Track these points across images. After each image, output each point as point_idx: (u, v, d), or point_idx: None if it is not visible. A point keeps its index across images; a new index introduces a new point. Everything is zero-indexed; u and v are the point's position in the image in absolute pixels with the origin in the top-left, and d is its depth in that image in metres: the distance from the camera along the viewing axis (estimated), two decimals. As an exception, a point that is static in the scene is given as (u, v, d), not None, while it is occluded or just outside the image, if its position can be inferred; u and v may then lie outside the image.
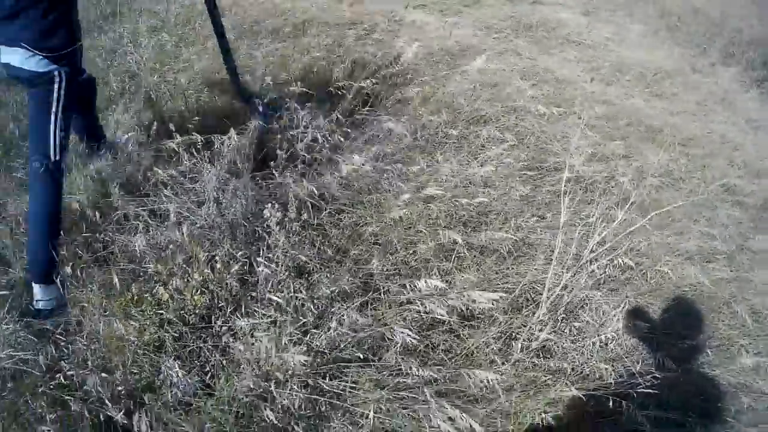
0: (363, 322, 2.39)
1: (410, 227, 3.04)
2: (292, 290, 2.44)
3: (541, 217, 3.33)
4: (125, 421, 2.10)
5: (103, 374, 2.24)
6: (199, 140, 3.01)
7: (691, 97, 5.64)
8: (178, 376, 2.24)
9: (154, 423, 2.13)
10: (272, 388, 2.15)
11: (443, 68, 4.56)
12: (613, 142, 4.25)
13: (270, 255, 2.54)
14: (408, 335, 2.35)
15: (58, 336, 2.44)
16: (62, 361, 2.33)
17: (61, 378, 2.23)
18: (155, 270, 2.52)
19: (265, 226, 2.62)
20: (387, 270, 2.78)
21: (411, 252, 2.91)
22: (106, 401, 2.15)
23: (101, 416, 2.13)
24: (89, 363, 2.29)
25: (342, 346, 2.33)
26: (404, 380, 2.19)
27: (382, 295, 2.62)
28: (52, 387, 2.22)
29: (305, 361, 2.20)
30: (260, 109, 3.37)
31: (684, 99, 5.58)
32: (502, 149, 3.70)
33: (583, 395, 2.25)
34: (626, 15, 7.54)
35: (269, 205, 2.53)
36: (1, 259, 2.71)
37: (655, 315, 2.91)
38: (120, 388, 2.21)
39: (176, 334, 2.40)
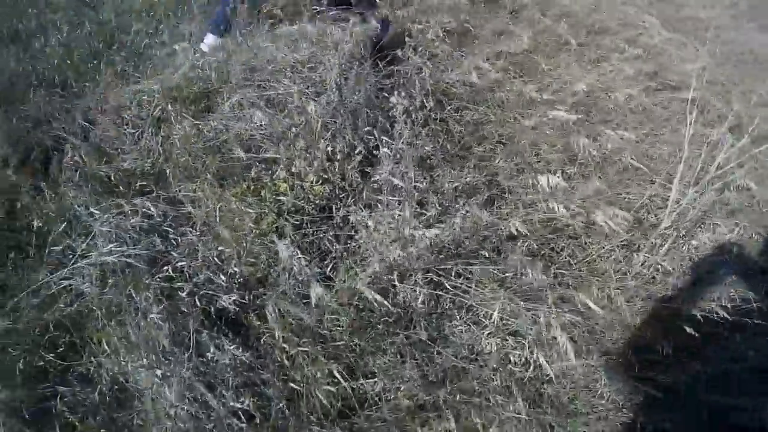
0: (488, 219, 2.09)
1: (535, 128, 2.80)
2: (416, 181, 2.18)
3: (659, 133, 3.02)
4: (238, 312, 1.90)
5: (217, 264, 1.99)
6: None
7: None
8: (300, 264, 1.92)
9: (270, 314, 1.88)
10: (395, 281, 1.93)
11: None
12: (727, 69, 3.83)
13: (393, 145, 2.23)
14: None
15: (166, 227, 2.13)
16: (170, 254, 2.05)
17: (170, 270, 1.96)
18: (274, 156, 2.16)
19: (389, 115, 2.34)
20: (510, 169, 2.57)
21: (534, 153, 2.70)
22: (219, 292, 1.91)
23: (212, 308, 1.89)
24: (199, 254, 2.01)
25: (466, 243, 2.07)
26: (528, 283, 2.03)
27: (506, 194, 2.43)
28: (159, 279, 1.96)
29: (428, 255, 1.97)
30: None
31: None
32: (623, 58, 3.47)
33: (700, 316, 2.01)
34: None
35: (396, 92, 2.19)
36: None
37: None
38: (233, 279, 1.96)
39: (295, 223, 2.11)
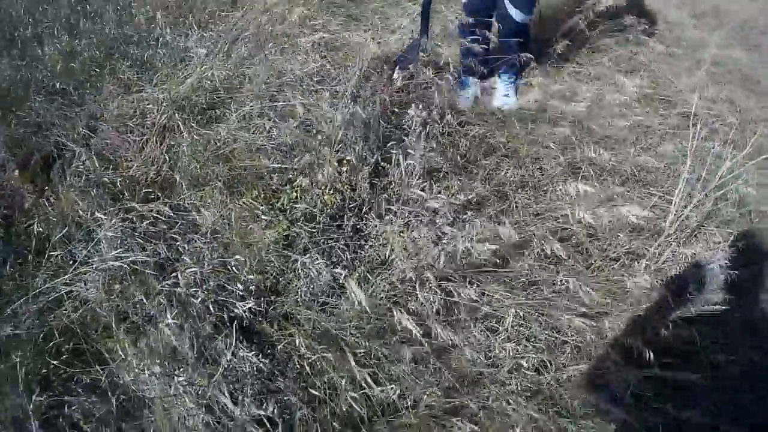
0: (503, 231, 2.06)
1: (537, 142, 2.84)
2: (428, 192, 2.17)
3: (654, 146, 3.07)
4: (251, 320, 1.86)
5: (227, 272, 1.94)
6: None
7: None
8: (317, 270, 1.91)
9: (285, 321, 1.90)
10: (409, 290, 1.94)
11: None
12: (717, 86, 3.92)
13: (411, 155, 2.24)
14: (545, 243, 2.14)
15: (173, 235, 2.09)
16: (177, 261, 2.01)
17: (179, 277, 1.89)
18: (283, 166, 2.13)
19: (403, 128, 2.32)
20: (516, 182, 2.59)
21: (538, 167, 2.73)
22: (231, 300, 1.86)
23: (226, 315, 1.83)
24: (206, 262, 1.95)
25: (476, 253, 2.02)
26: (540, 289, 2.08)
27: (512, 205, 2.44)
28: (168, 286, 1.89)
29: (441, 264, 1.96)
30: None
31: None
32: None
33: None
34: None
35: (414, 105, 2.23)
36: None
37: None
38: (244, 287, 1.90)
39: (307, 233, 2.07)
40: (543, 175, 2.66)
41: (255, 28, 3.04)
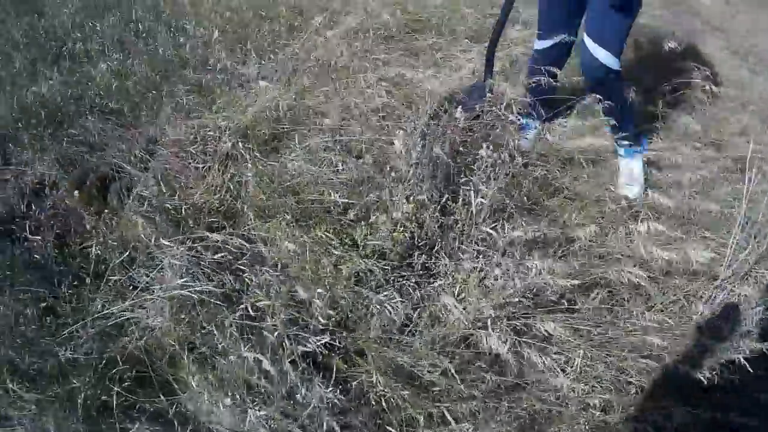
0: (562, 269, 2.23)
1: (600, 185, 2.99)
2: (500, 233, 2.31)
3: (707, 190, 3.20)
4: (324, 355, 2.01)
5: (298, 306, 2.10)
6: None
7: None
8: (392, 307, 2.09)
9: (358, 356, 2.04)
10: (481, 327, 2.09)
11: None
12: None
13: (476, 195, 2.37)
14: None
15: (239, 266, 2.23)
16: (244, 293, 2.16)
17: (249, 308, 2.04)
18: (351, 201, 2.36)
19: (471, 167, 2.47)
20: (579, 223, 2.67)
21: (600, 210, 2.84)
22: (303, 334, 2.01)
23: (298, 349, 1.96)
24: (277, 295, 2.09)
25: (547, 293, 2.23)
26: (605, 330, 2.23)
27: (577, 247, 2.53)
28: (237, 318, 2.04)
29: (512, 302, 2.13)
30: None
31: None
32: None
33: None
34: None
35: (484, 146, 2.37)
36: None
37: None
38: (319, 321, 2.05)
39: (380, 270, 2.22)
40: (604, 218, 2.79)
41: (315, 60, 3.26)
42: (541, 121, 3.12)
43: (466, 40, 4.02)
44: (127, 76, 3.23)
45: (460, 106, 2.77)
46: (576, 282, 2.24)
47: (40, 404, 1.89)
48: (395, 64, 3.45)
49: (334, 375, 1.97)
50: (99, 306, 2.20)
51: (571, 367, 2.08)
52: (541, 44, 2.85)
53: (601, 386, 2.09)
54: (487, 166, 2.35)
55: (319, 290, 2.06)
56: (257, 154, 2.60)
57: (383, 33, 3.89)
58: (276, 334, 1.95)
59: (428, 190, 2.39)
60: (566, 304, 2.29)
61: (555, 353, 2.11)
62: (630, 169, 3.00)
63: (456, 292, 2.18)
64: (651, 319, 2.32)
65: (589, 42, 2.54)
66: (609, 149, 3.19)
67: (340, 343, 2.06)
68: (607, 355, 2.16)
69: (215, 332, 2.01)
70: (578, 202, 2.83)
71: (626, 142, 2.91)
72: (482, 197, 2.29)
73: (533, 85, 2.73)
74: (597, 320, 2.27)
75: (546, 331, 2.13)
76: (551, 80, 2.68)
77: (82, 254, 2.48)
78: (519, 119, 2.73)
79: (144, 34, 3.65)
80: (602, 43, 2.51)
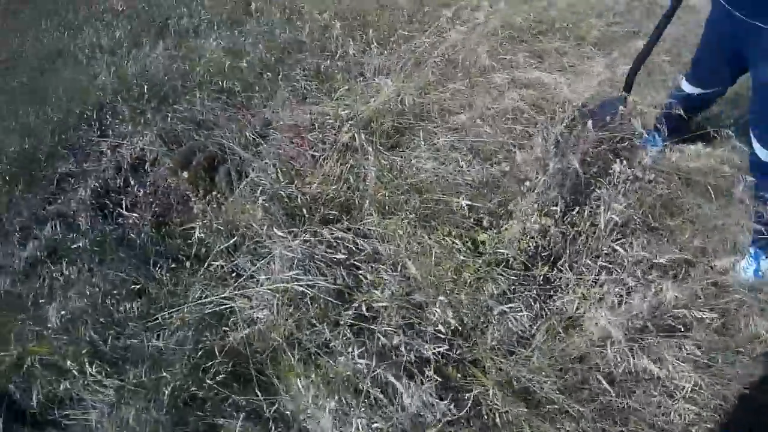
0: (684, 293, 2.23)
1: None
2: (627, 249, 2.34)
3: None
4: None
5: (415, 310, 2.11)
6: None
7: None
8: (515, 318, 2.13)
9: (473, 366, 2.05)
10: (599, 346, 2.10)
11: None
12: None
13: (607, 209, 2.40)
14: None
15: (355, 262, 2.26)
16: (357, 291, 2.18)
17: (362, 307, 2.06)
18: (476, 205, 2.40)
19: (599, 180, 2.52)
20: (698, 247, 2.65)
21: (721, 234, 2.76)
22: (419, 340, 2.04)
23: (412, 355, 1.99)
24: (394, 298, 2.12)
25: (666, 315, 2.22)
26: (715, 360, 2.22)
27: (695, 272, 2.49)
28: (352, 318, 2.07)
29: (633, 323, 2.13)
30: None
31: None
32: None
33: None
34: None
35: (618, 161, 2.42)
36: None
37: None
38: (437, 329, 2.06)
39: (505, 279, 2.23)
40: (725, 246, 2.71)
41: (440, 55, 3.30)
42: (665, 139, 3.03)
43: (590, 47, 4.00)
44: (239, 55, 3.32)
45: (591, 119, 2.75)
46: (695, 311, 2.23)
47: (121, 391, 1.93)
48: (522, 65, 3.45)
49: (448, 384, 1.98)
50: (198, 292, 2.23)
51: (680, 393, 2.07)
52: (688, 87, 2.76)
53: (706, 414, 2.06)
54: (619, 182, 2.38)
55: (441, 297, 2.05)
56: (379, 147, 2.61)
57: (509, 33, 3.90)
58: (393, 340, 1.95)
59: (555, 200, 2.39)
60: (682, 329, 2.26)
61: (666, 376, 2.11)
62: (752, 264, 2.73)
63: (574, 308, 2.20)
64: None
65: (754, 142, 2.47)
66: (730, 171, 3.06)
67: (456, 350, 2.06)
68: (714, 384, 2.14)
69: (325, 330, 2.01)
70: (699, 225, 2.78)
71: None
72: (612, 213, 2.30)
73: (666, 111, 2.70)
74: (710, 346, 2.25)
75: (661, 354, 2.13)
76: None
77: (182, 236, 2.53)
78: (646, 133, 2.77)
79: (257, 13, 3.77)
80: (760, 138, 2.44)
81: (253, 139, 2.73)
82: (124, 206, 2.70)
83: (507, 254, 2.26)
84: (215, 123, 2.89)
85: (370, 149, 2.51)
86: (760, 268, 2.58)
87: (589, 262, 2.29)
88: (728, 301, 2.39)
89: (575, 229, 2.38)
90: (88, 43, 3.88)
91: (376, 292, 2.09)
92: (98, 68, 3.54)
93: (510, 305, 2.11)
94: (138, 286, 2.28)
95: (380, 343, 1.98)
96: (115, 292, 2.24)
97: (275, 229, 2.27)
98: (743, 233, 2.70)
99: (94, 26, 4.13)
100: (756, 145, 2.41)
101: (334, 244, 2.28)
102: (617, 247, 2.31)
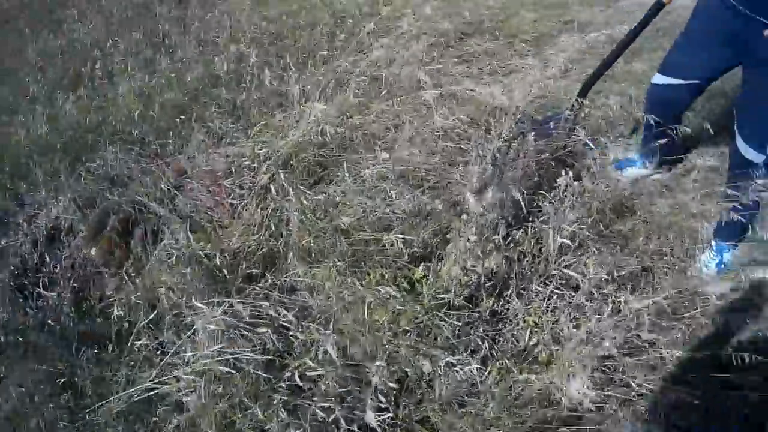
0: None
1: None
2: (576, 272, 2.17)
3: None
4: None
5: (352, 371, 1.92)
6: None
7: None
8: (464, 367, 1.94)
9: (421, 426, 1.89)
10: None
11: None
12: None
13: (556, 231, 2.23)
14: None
15: (284, 323, 2.04)
16: (289, 355, 2.00)
17: (296, 378, 1.89)
18: (409, 238, 2.22)
19: (544, 195, 2.34)
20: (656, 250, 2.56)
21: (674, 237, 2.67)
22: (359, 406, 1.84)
23: (355, 426, 1.81)
24: (322, 358, 1.93)
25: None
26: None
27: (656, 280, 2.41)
28: (286, 392, 1.90)
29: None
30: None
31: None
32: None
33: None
34: None
35: (564, 172, 2.22)
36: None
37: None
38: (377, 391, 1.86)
39: (448, 325, 2.04)
40: (683, 242, 2.63)
41: (361, 73, 3.10)
42: (651, 161, 2.84)
43: (522, 44, 3.85)
44: (152, 98, 3.12)
45: (533, 132, 2.59)
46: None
47: None
48: (451, 73, 3.27)
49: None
50: (123, 378, 2.07)
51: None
52: (662, 79, 2.51)
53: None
54: (566, 195, 2.22)
55: (378, 362, 1.86)
56: (301, 187, 2.42)
57: (435, 39, 3.73)
58: (332, 416, 1.78)
59: (495, 222, 2.20)
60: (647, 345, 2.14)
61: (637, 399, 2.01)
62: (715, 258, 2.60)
63: (525, 339, 2.05)
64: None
65: (740, 141, 2.33)
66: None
67: (402, 409, 1.90)
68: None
69: (258, 413, 1.83)
70: (653, 224, 2.67)
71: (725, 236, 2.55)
72: (560, 234, 2.15)
73: (650, 122, 2.47)
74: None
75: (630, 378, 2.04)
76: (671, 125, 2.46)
77: (102, 313, 2.35)
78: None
79: (171, 49, 3.56)
80: (745, 137, 2.33)
81: (169, 191, 2.52)
82: (41, 285, 2.50)
83: (446, 298, 2.08)
84: (129, 177, 2.70)
85: (291, 190, 2.31)
86: (723, 260, 2.48)
87: (539, 288, 2.15)
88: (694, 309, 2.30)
89: (519, 248, 2.22)
90: (2, 105, 3.65)
91: (308, 357, 1.89)
92: (12, 129, 3.31)
93: (456, 357, 1.95)
94: (63, 381, 2.14)
95: (319, 418, 1.79)
96: (42, 388, 2.12)
97: (195, 300, 2.06)
98: (702, 225, 2.60)
99: (9, 84, 3.90)
100: (742, 145, 2.29)
101: (258, 306, 2.07)
102: (569, 272, 2.17)
